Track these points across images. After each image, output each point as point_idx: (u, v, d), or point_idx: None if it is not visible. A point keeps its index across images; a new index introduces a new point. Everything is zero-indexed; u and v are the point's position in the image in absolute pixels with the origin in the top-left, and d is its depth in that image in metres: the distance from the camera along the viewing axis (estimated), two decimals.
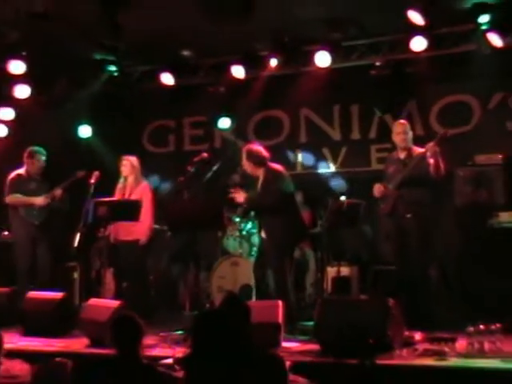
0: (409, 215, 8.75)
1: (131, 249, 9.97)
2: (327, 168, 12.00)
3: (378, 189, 9.07)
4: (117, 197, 10.04)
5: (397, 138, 9.19)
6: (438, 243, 9.21)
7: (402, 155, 9.04)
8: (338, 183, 11.73)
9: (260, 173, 9.16)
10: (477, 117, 11.05)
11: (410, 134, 9.15)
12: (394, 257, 9.23)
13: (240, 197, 9.18)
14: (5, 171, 10.58)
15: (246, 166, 9.25)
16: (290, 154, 11.94)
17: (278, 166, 9.33)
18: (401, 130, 9.19)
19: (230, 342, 4.38)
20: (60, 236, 10.48)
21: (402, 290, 8.70)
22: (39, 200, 10.18)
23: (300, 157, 12.21)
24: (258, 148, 9.36)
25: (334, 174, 11.91)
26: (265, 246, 9.69)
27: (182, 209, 9.15)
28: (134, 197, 9.89)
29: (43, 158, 10.32)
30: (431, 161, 8.62)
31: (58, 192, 10.20)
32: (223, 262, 10.28)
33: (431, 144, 8.63)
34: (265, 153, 9.24)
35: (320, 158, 12.08)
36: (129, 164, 10.09)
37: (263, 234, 9.64)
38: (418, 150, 8.96)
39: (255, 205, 9.31)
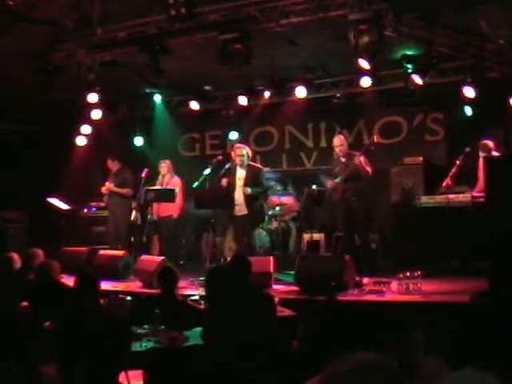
0: (354, 199, 8.75)
1: (168, 222, 10.04)
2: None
3: (329, 183, 9.02)
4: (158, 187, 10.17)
5: (337, 149, 9.16)
6: (378, 218, 9.21)
7: (344, 159, 8.99)
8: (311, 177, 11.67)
9: (243, 166, 9.23)
10: (405, 132, 11.00)
11: (346, 144, 9.12)
12: (343, 229, 9.19)
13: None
14: (84, 169, 10.61)
15: (238, 160, 9.24)
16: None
17: (257, 164, 9.71)
18: (338, 143, 9.15)
19: (233, 287, 4.39)
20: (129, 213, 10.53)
21: (353, 249, 8.71)
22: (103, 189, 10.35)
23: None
24: (246, 148, 9.46)
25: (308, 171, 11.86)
26: None
27: (205, 194, 9.15)
28: (169, 187, 9.99)
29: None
30: (360, 165, 8.66)
31: (107, 185, 10.35)
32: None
33: (356, 157, 8.66)
34: (249, 153, 9.41)
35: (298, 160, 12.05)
36: (166, 165, 10.24)
37: None
38: (355, 153, 8.97)
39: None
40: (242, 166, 9.19)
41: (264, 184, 9.39)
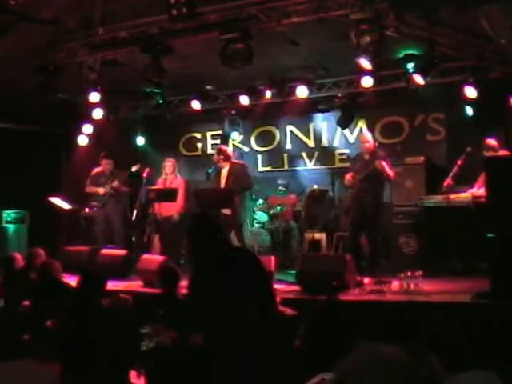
0: (369, 198, 8.69)
1: (169, 221, 10.05)
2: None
3: (348, 177, 8.92)
4: (160, 186, 10.19)
5: (362, 145, 9.13)
6: (382, 217, 9.19)
7: (367, 156, 8.92)
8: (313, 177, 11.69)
9: (226, 165, 9.43)
10: (406, 131, 11.00)
11: (371, 141, 9.03)
12: (351, 227, 9.13)
13: None
14: (86, 168, 10.60)
15: (217, 159, 9.49)
16: None
17: (239, 161, 9.93)
18: (363, 139, 9.10)
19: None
20: (125, 211, 10.50)
21: (355, 249, 8.71)
22: (100, 190, 10.23)
23: None
24: (226, 148, 9.86)
25: (309, 171, 11.88)
26: None
27: (207, 194, 9.17)
28: (172, 186, 10.00)
29: (111, 160, 10.40)
30: (382, 169, 8.61)
31: (116, 183, 10.21)
32: None
33: (377, 160, 8.60)
34: (230, 153, 9.76)
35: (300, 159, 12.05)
36: (171, 164, 10.24)
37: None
38: (380, 152, 8.90)
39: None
40: (223, 165, 9.44)
41: (248, 178, 9.48)
